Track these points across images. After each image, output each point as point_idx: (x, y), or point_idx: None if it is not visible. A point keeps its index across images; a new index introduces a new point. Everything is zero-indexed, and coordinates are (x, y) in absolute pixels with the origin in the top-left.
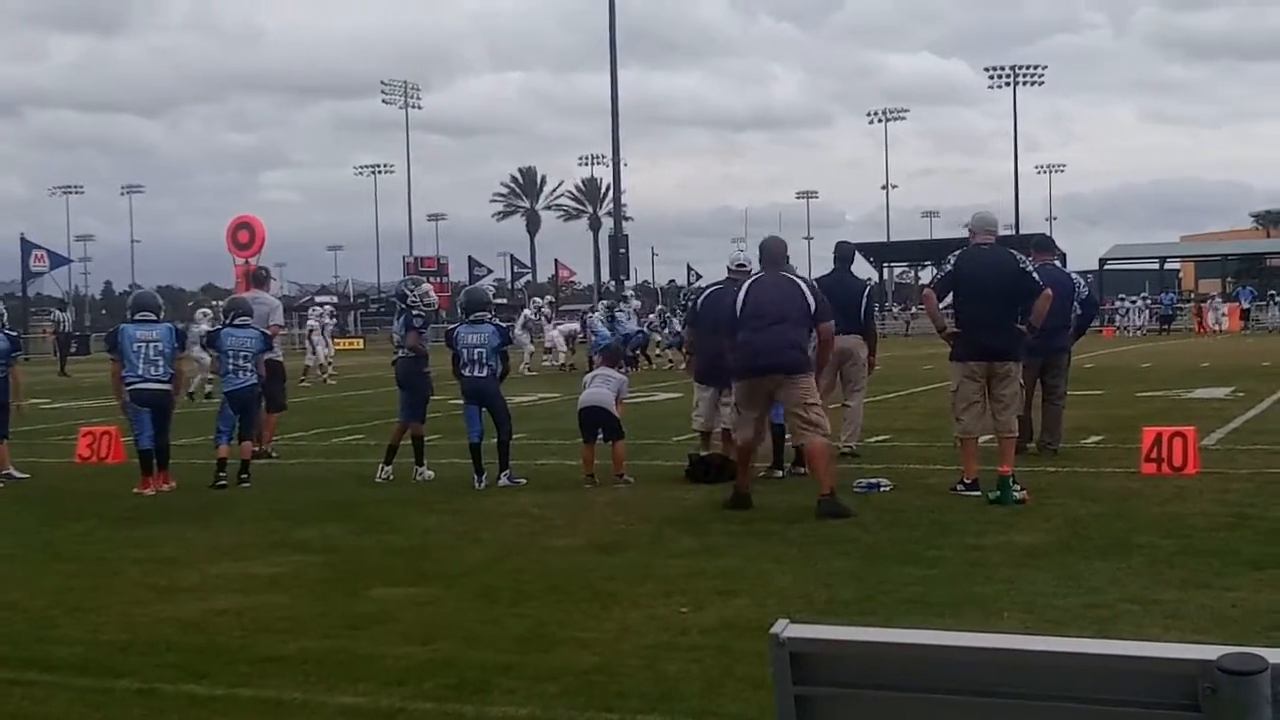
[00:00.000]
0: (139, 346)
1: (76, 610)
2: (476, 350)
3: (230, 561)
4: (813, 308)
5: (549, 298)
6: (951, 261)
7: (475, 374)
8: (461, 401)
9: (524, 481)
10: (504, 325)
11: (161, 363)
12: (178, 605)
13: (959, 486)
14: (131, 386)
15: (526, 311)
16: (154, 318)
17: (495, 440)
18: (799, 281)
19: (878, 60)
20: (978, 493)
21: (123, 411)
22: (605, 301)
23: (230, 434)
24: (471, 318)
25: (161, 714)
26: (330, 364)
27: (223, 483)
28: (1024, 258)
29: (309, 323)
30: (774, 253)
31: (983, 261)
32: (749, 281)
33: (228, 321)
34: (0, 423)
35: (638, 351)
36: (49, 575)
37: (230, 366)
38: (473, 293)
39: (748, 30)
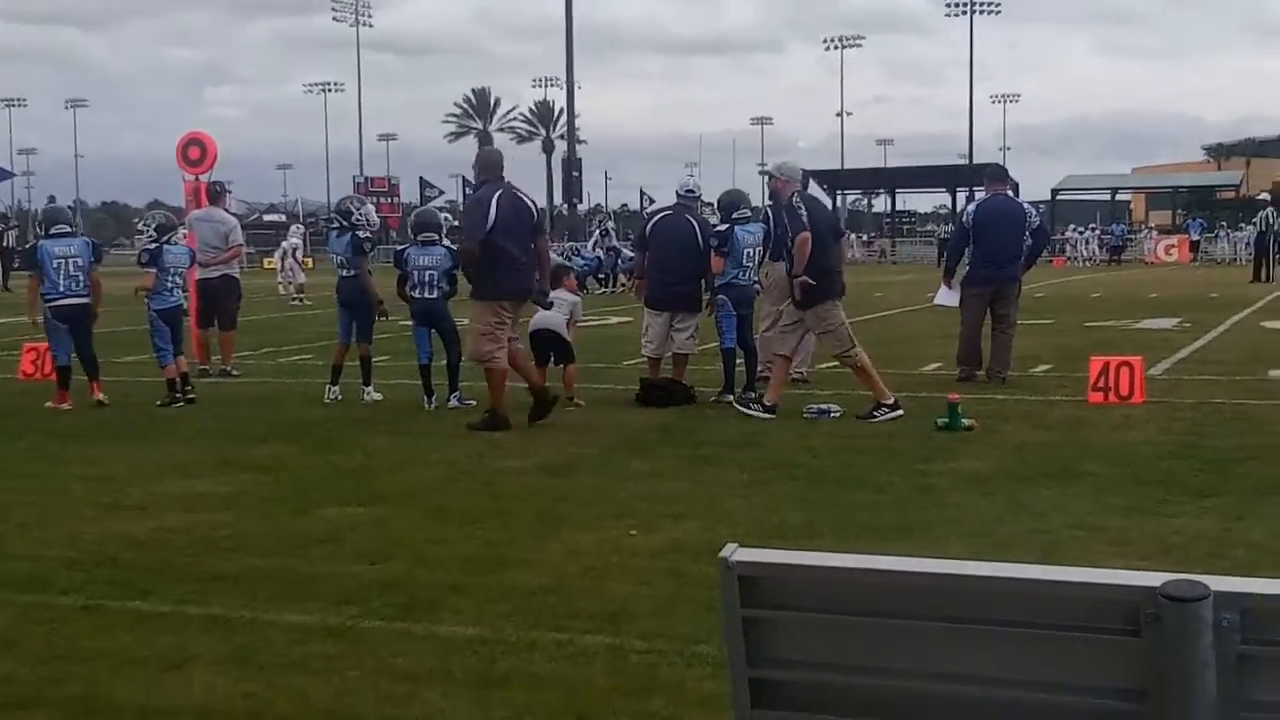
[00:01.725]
0: (58, 263)
1: (21, 526)
2: (428, 272)
3: (177, 479)
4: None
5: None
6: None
7: (425, 295)
8: (410, 322)
9: (473, 403)
10: (453, 247)
11: (81, 277)
12: (124, 522)
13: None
14: (52, 303)
15: None
16: (69, 230)
17: (445, 362)
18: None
19: None
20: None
21: (40, 328)
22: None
23: (172, 351)
24: (421, 238)
25: (108, 630)
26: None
27: (182, 398)
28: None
29: (293, 242)
30: (490, 163)
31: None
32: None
33: (164, 240)
34: None
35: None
36: None
37: (169, 284)
38: (424, 214)
39: None
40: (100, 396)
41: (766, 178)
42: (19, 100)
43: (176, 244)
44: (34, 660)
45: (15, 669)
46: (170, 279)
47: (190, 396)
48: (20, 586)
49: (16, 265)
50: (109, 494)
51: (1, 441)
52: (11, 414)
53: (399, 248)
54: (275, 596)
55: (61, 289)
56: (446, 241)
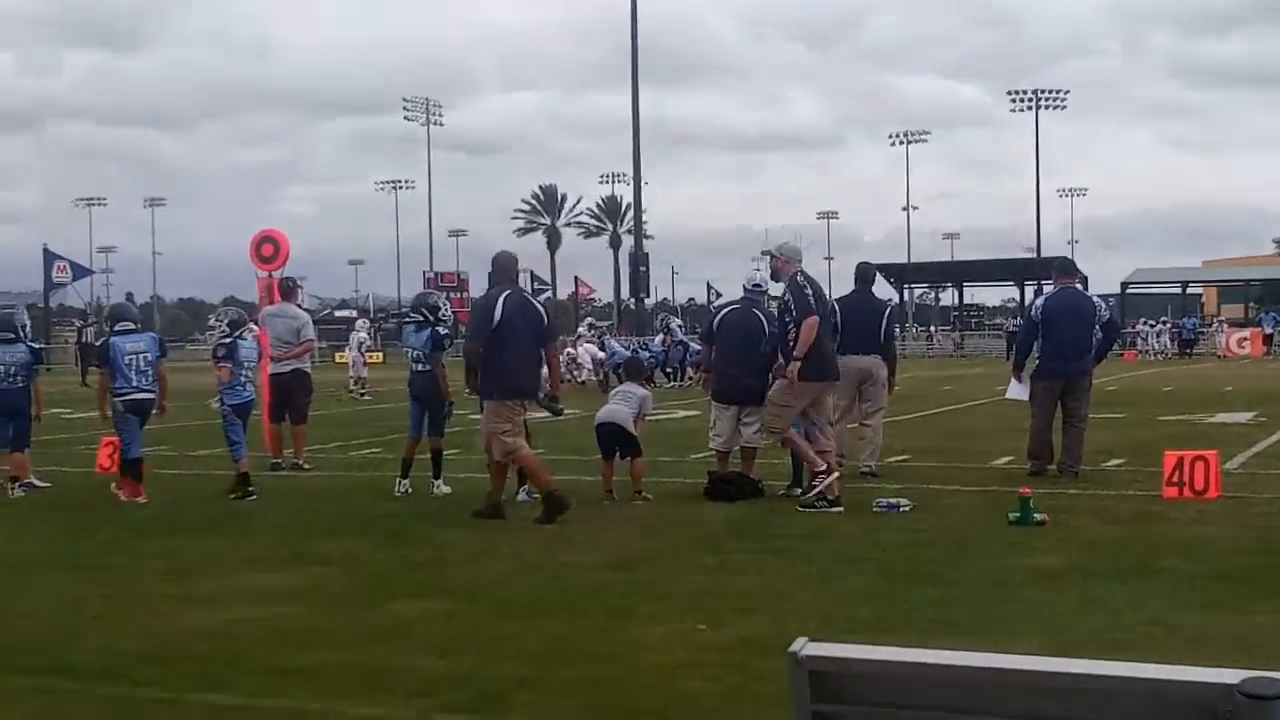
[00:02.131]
0: (129, 359)
1: (98, 619)
2: (415, 351)
3: (250, 572)
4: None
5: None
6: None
7: (418, 369)
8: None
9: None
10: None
11: (150, 372)
12: (198, 615)
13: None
14: (126, 397)
15: (581, 329)
16: (134, 327)
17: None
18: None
19: (891, 83)
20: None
21: (110, 423)
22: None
23: (245, 445)
24: (409, 319)
25: None
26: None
27: (255, 491)
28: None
29: (360, 336)
30: (503, 266)
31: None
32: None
33: (237, 335)
34: (21, 432)
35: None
36: (71, 584)
37: (242, 379)
38: (421, 296)
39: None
40: (134, 498)
41: (767, 258)
42: (99, 199)
43: (247, 339)
44: None
45: None
46: (244, 373)
47: (252, 493)
48: (97, 677)
49: (95, 361)
50: (183, 586)
51: (79, 534)
52: (88, 507)
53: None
54: (347, 689)
55: (134, 382)
56: None
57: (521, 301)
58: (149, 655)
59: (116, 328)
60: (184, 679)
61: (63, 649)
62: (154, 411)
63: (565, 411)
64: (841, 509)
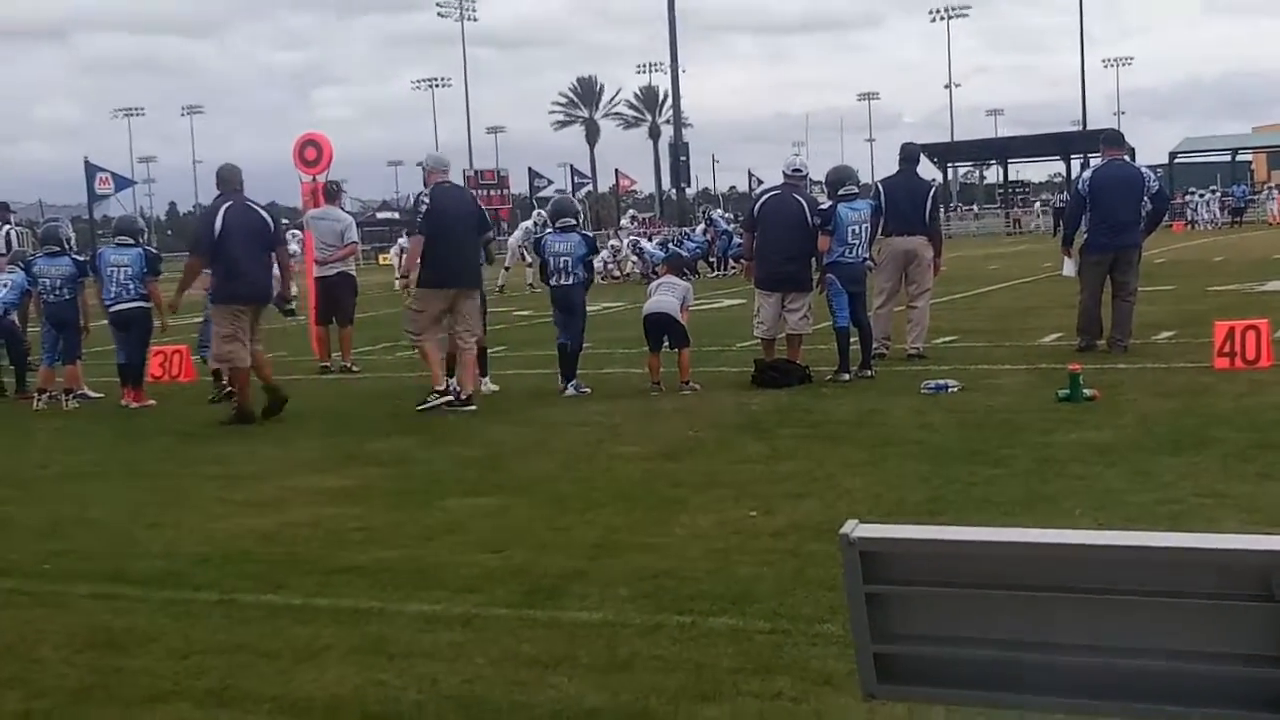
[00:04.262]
0: (111, 270)
1: (156, 525)
2: (563, 259)
3: (304, 475)
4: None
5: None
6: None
7: (562, 282)
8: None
9: (589, 391)
10: (590, 234)
11: (132, 286)
12: (254, 518)
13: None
14: (108, 309)
15: (624, 221)
16: (131, 242)
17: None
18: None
19: None
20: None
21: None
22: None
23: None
24: (559, 225)
25: (242, 624)
26: None
27: (230, 396)
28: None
29: (401, 243)
30: (226, 178)
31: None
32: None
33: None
34: (72, 344)
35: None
36: (128, 492)
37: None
38: (560, 201)
39: None
40: (129, 403)
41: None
42: (137, 110)
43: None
44: (172, 654)
45: (154, 663)
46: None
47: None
48: (156, 583)
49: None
50: (239, 491)
51: (135, 442)
52: (144, 415)
53: (537, 235)
54: (403, 587)
55: (113, 294)
56: (583, 229)
57: (244, 210)
58: (206, 559)
59: (116, 240)
60: (241, 581)
61: (122, 556)
62: (156, 325)
63: (607, 306)
64: (450, 398)
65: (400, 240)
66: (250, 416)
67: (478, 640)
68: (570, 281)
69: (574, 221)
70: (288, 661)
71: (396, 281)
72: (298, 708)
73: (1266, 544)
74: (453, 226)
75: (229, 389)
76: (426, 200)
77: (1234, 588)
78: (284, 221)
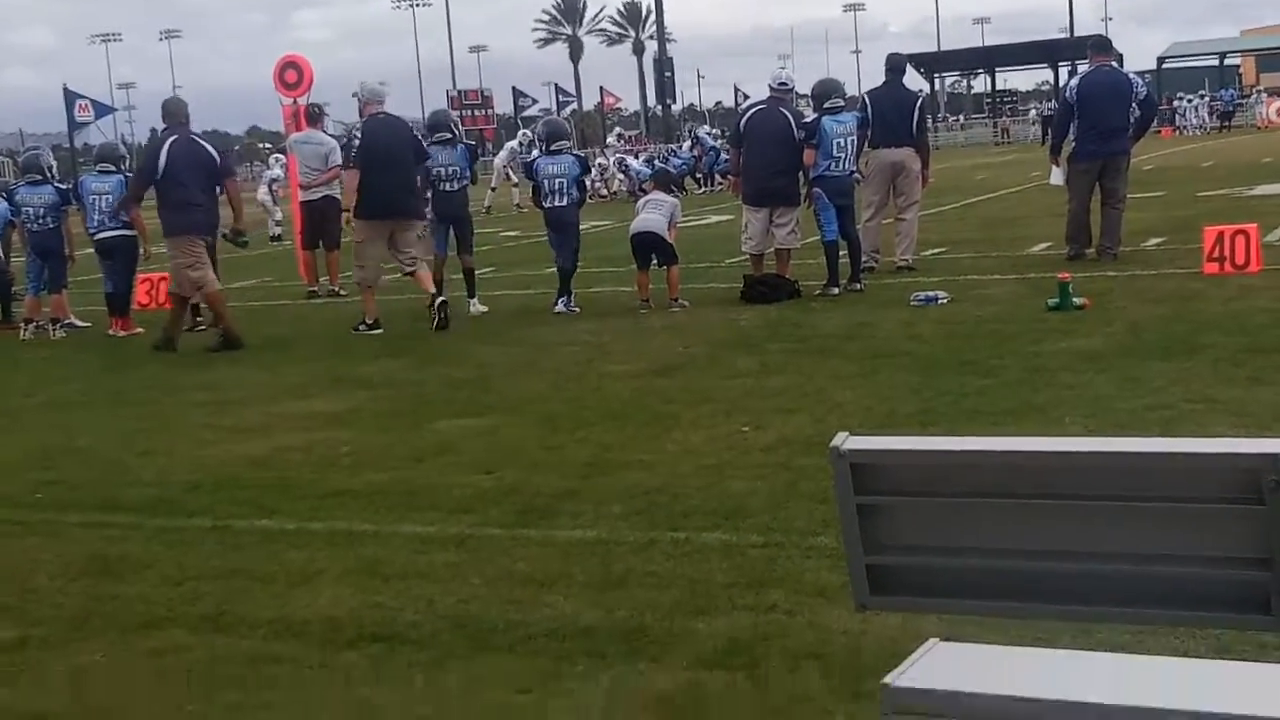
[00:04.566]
0: (93, 198)
1: (146, 453)
2: (557, 180)
3: (293, 400)
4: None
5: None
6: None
7: (556, 203)
8: (545, 231)
9: (578, 310)
10: (582, 154)
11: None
12: (244, 444)
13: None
14: (93, 236)
15: (611, 139)
16: (113, 169)
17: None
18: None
19: None
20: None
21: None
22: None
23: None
24: (552, 148)
25: (236, 549)
26: None
27: (200, 327)
28: None
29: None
30: (172, 111)
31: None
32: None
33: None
34: (57, 273)
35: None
36: (117, 420)
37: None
38: (552, 123)
39: None
40: (117, 331)
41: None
42: (114, 35)
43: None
44: (167, 581)
45: (150, 590)
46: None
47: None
48: (149, 510)
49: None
50: (228, 417)
51: (122, 371)
52: (131, 343)
53: (529, 158)
54: (396, 509)
55: (95, 221)
56: (575, 150)
57: (189, 144)
58: (198, 486)
59: (97, 168)
60: (234, 507)
61: (114, 484)
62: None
63: (595, 225)
64: (380, 330)
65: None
66: (238, 340)
67: (472, 560)
68: (565, 202)
69: (567, 143)
70: (283, 585)
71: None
72: (294, 630)
73: (1256, 447)
74: (387, 158)
75: (197, 319)
76: (358, 134)
77: (1224, 491)
78: (235, 150)
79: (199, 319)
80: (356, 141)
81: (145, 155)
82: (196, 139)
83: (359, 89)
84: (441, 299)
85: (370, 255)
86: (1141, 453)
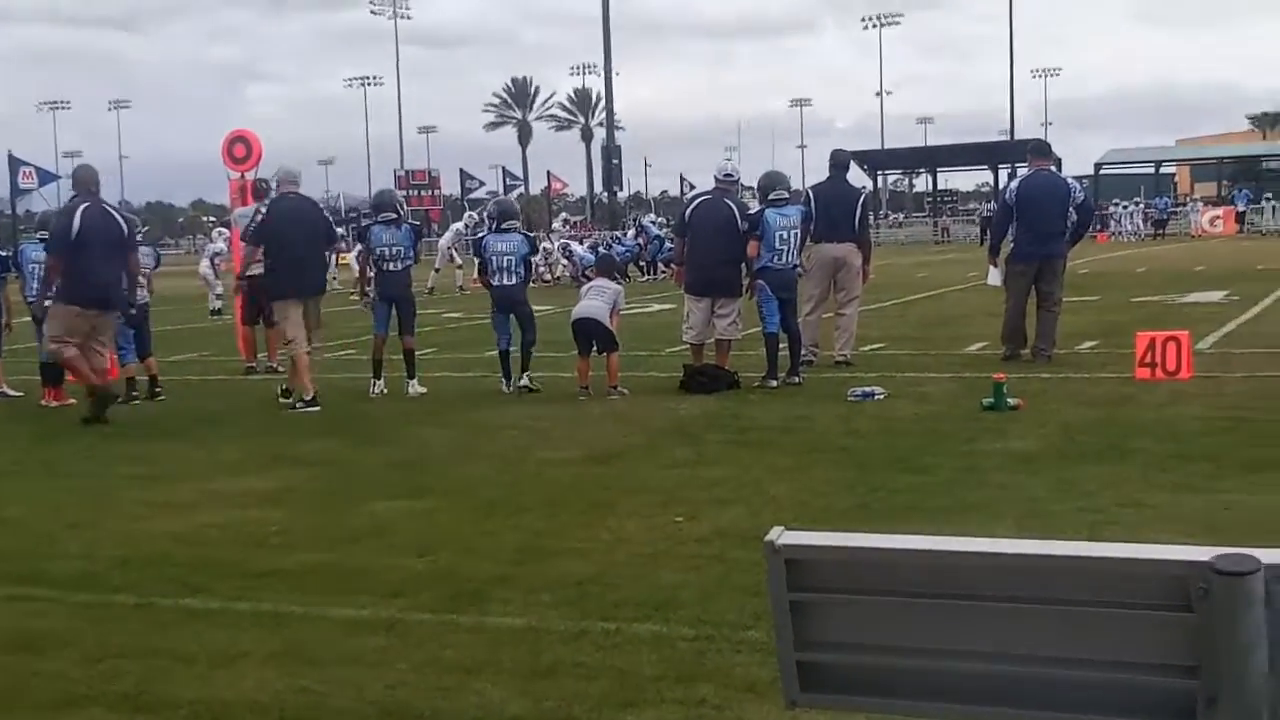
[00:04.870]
0: (33, 267)
1: (75, 526)
2: (506, 258)
3: (226, 477)
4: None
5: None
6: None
7: (504, 282)
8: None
9: (539, 388)
10: (531, 234)
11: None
12: (174, 520)
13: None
14: (30, 304)
15: (557, 224)
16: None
17: (519, 346)
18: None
19: None
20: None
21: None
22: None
23: (132, 351)
24: (502, 227)
25: (160, 628)
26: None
27: (135, 399)
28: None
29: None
30: (82, 180)
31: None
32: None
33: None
34: None
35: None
36: (47, 492)
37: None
38: (503, 203)
39: None
40: (50, 401)
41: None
42: (63, 103)
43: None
44: (87, 658)
45: (69, 667)
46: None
47: (159, 397)
48: (74, 585)
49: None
50: (160, 492)
51: (54, 442)
52: (64, 414)
53: (477, 235)
54: (325, 591)
55: (37, 290)
56: (523, 229)
57: (101, 214)
58: (125, 561)
59: (38, 235)
60: (161, 584)
61: (39, 556)
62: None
63: (538, 309)
64: (318, 407)
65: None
66: (110, 395)
67: (401, 645)
68: (513, 281)
69: (516, 223)
70: (205, 666)
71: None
72: (215, 713)
73: (1186, 554)
74: (290, 237)
75: (157, 390)
76: (263, 212)
77: (1153, 597)
78: (141, 226)
79: (134, 393)
80: (259, 219)
81: (57, 222)
82: (108, 207)
83: (276, 170)
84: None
85: (295, 330)
86: (1072, 556)
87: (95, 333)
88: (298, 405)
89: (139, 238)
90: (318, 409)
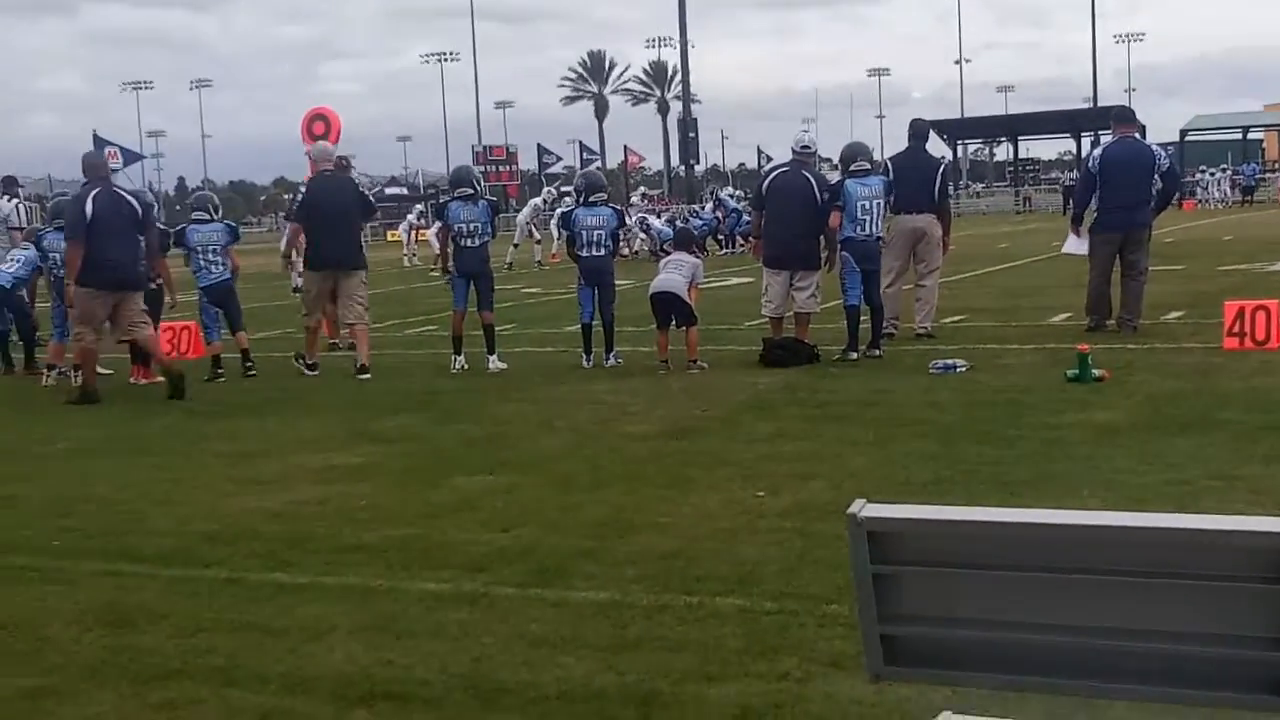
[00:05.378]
0: (55, 256)
1: (164, 503)
2: (595, 232)
3: (311, 452)
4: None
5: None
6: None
7: (594, 253)
8: (578, 283)
9: (622, 362)
10: (619, 208)
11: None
12: (262, 496)
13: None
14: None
15: (634, 198)
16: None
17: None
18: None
19: None
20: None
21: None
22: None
23: (218, 329)
24: (590, 200)
25: (251, 602)
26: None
27: (220, 377)
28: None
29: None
30: (91, 165)
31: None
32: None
33: (193, 218)
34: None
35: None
36: (137, 469)
37: (201, 263)
38: (590, 175)
39: None
40: (139, 379)
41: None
42: (146, 83)
43: (208, 222)
44: (179, 632)
45: (162, 642)
46: (201, 256)
47: (251, 373)
48: (165, 561)
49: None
50: (247, 468)
51: (143, 419)
52: (153, 391)
53: (565, 209)
54: (410, 565)
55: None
56: (612, 202)
57: (112, 197)
58: (215, 537)
59: (54, 223)
60: (250, 559)
61: (131, 533)
62: (166, 302)
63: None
64: (317, 372)
65: (409, 216)
66: (95, 397)
67: (485, 619)
68: (602, 253)
69: (605, 196)
70: (295, 640)
71: (282, 260)
72: (305, 686)
73: (1276, 526)
74: (328, 213)
75: (219, 373)
76: (303, 190)
77: (1242, 570)
78: (155, 203)
79: (220, 370)
80: (300, 198)
81: (71, 209)
82: (119, 190)
83: (311, 149)
84: (363, 366)
85: (313, 302)
86: (1159, 528)
87: (122, 314)
88: (299, 362)
89: (157, 216)
90: (316, 373)
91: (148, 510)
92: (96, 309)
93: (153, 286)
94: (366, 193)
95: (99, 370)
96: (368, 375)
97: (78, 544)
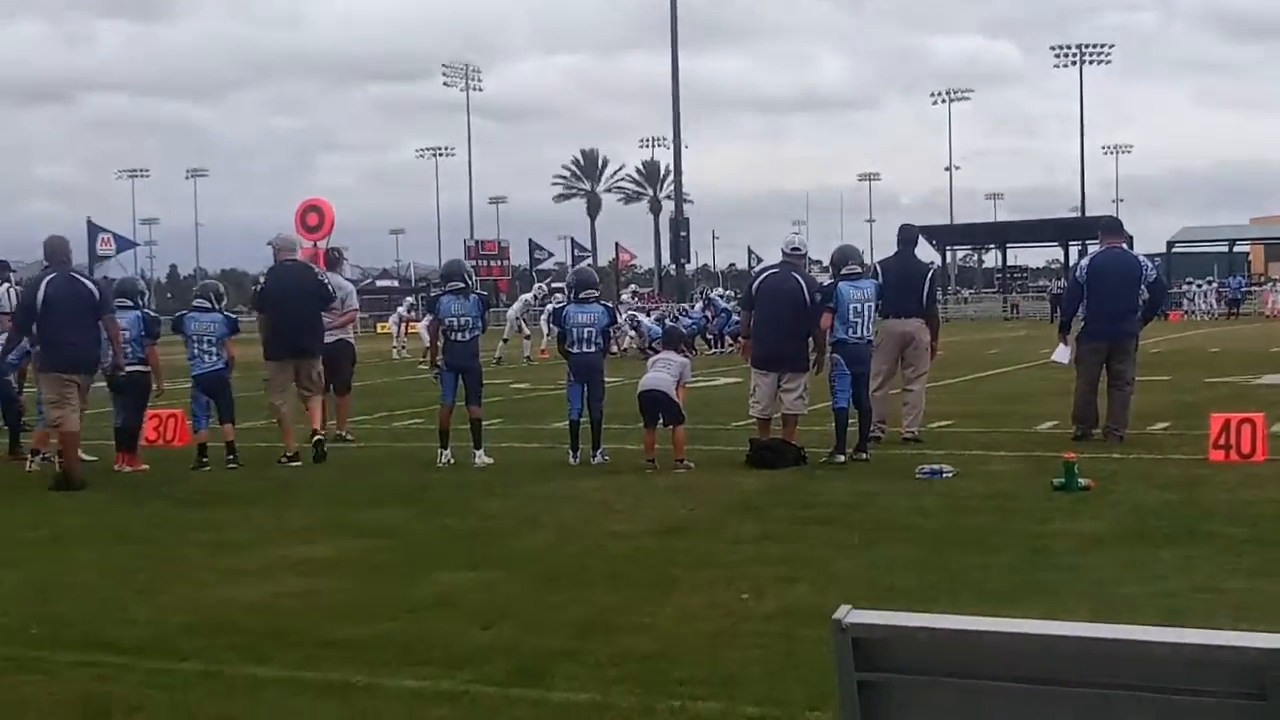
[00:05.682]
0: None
1: (144, 592)
2: (586, 329)
3: (293, 544)
4: None
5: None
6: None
7: (585, 350)
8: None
9: (608, 459)
10: (610, 305)
11: (130, 348)
12: (242, 588)
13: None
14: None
15: (625, 295)
16: (130, 304)
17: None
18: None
19: (920, 42)
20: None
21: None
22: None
23: (206, 418)
24: (581, 296)
25: (226, 696)
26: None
27: (205, 466)
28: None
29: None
30: (53, 249)
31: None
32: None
33: (194, 306)
34: None
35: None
36: (118, 557)
37: (195, 351)
38: (581, 273)
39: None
40: (123, 467)
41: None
42: (141, 171)
43: (206, 310)
44: None
45: None
46: (196, 345)
47: (231, 466)
48: (143, 652)
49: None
50: (228, 559)
51: (126, 507)
52: (137, 479)
53: (557, 305)
54: (390, 661)
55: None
56: (603, 300)
57: (68, 282)
58: (194, 628)
59: (114, 302)
60: (228, 652)
61: (109, 622)
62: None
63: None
64: (299, 463)
65: (399, 308)
66: (77, 482)
67: (465, 718)
68: (593, 349)
69: (596, 293)
70: None
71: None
72: None
73: (1261, 642)
74: (286, 302)
75: (204, 461)
76: (262, 280)
77: (1227, 685)
78: (110, 281)
79: (204, 459)
80: (259, 288)
81: (22, 295)
82: (76, 275)
83: (274, 239)
84: (318, 437)
85: (278, 389)
86: (1145, 641)
87: (78, 394)
88: (282, 460)
89: (142, 300)
90: (298, 464)
91: (128, 599)
92: (65, 389)
93: (121, 374)
94: (326, 282)
95: (82, 456)
96: (298, 462)
97: (56, 633)
